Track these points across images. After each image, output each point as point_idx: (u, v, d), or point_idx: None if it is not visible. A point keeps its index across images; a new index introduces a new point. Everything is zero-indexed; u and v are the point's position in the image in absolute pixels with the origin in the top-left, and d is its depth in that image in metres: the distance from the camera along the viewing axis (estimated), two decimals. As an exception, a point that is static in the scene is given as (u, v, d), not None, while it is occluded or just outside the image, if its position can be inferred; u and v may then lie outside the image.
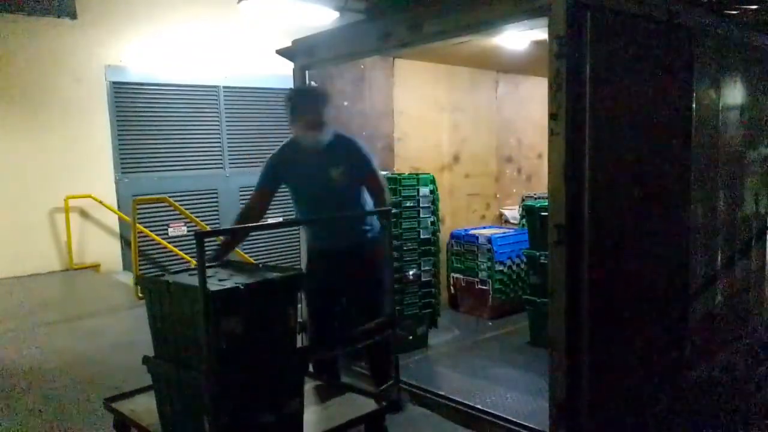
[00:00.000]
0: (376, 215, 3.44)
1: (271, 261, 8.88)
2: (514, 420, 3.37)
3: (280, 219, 9.58)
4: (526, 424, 3.30)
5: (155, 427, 2.94)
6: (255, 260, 8.33)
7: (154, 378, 2.95)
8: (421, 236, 4.58)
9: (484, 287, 5.45)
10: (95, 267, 8.34)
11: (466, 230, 5.71)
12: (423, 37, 3.53)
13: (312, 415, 2.98)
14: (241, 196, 9.47)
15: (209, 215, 9.03)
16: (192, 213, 8.13)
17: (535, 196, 6.03)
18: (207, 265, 2.70)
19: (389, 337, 3.35)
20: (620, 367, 3.17)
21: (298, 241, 4.64)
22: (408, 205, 4.51)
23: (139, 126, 8.57)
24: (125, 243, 8.41)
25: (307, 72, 4.42)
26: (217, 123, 9.23)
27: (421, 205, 4.57)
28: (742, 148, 4.16)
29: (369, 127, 5.22)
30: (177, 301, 2.70)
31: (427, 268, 4.62)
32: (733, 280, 4.13)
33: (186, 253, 8.24)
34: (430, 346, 4.75)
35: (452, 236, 5.70)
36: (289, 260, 8.89)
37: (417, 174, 4.66)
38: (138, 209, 7.07)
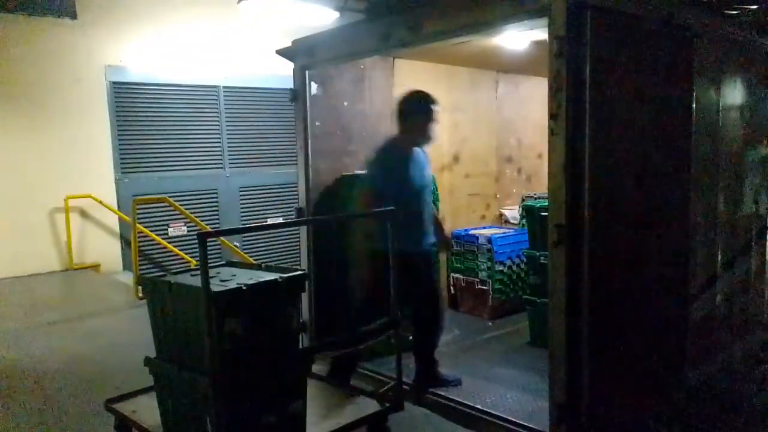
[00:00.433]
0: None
1: (271, 261, 8.88)
2: (514, 420, 3.38)
3: (280, 219, 9.61)
4: (526, 424, 3.31)
5: (157, 428, 2.94)
6: (255, 260, 8.34)
7: (155, 379, 2.95)
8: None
9: (484, 287, 5.45)
10: (95, 267, 8.35)
11: (466, 230, 5.71)
12: (423, 37, 3.53)
13: (314, 416, 2.98)
14: (241, 196, 9.48)
15: (209, 215, 9.03)
16: (192, 213, 8.13)
17: (535, 196, 6.03)
18: (211, 265, 2.70)
19: (431, 319, 3.71)
20: (620, 367, 3.18)
21: (298, 241, 4.64)
22: (408, 205, 4.51)
23: (139, 126, 8.58)
24: (125, 243, 8.42)
25: (307, 72, 4.42)
26: (217, 123, 9.23)
27: (421, 205, 4.56)
28: (742, 148, 4.16)
29: (369, 127, 5.21)
30: (179, 301, 2.70)
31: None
32: (733, 280, 4.13)
33: (186, 253, 8.25)
34: (431, 346, 4.74)
35: (452, 236, 5.70)
36: (289, 260, 8.90)
37: (417, 174, 4.65)
38: (138, 209, 7.07)
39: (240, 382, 2.62)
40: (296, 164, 4.58)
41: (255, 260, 8.34)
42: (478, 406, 3.61)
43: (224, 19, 8.97)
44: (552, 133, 2.83)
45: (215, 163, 9.28)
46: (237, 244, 8.91)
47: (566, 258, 2.82)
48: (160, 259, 8.69)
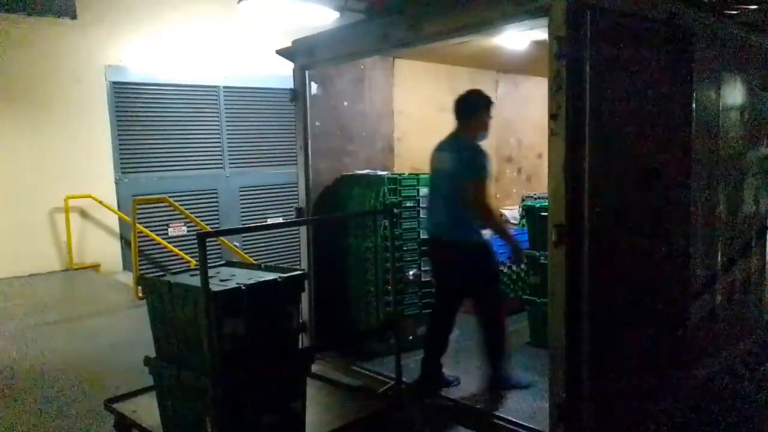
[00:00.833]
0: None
1: (271, 261, 8.88)
2: (514, 420, 3.37)
3: (280, 219, 9.61)
4: (526, 424, 3.30)
5: (157, 428, 2.94)
6: (255, 260, 8.34)
7: (155, 379, 2.96)
8: (421, 236, 4.58)
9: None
10: (95, 267, 8.35)
11: (466, 230, 5.70)
12: (423, 37, 3.53)
13: (314, 416, 2.98)
14: (241, 196, 9.48)
15: (209, 215, 9.03)
16: (192, 213, 8.13)
17: (535, 196, 6.03)
18: (210, 265, 2.70)
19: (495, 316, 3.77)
20: (620, 367, 3.17)
21: (298, 241, 4.64)
22: (408, 205, 4.51)
23: (139, 126, 8.58)
24: (125, 243, 8.42)
25: (307, 72, 4.42)
26: (217, 123, 9.23)
27: (421, 205, 4.56)
28: (742, 148, 4.16)
29: (369, 127, 5.22)
30: (179, 301, 2.70)
31: (427, 268, 4.61)
32: (733, 280, 4.13)
33: (186, 253, 8.25)
34: (431, 346, 4.74)
35: (452, 236, 5.69)
36: (289, 260, 8.90)
37: (417, 174, 4.65)
38: (138, 209, 7.07)
39: (240, 382, 2.63)
40: (296, 164, 4.58)
41: (255, 260, 8.34)
42: (479, 406, 3.61)
43: (224, 19, 8.97)
44: (552, 133, 2.83)
45: (215, 163, 9.28)
46: (237, 244, 8.91)
47: (566, 258, 2.82)
48: (160, 259, 8.69)
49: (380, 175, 4.60)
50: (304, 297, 4.29)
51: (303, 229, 4.56)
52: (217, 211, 9.23)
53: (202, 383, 2.59)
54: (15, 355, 4.97)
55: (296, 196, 4.66)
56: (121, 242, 8.57)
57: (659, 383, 3.46)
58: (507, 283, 5.49)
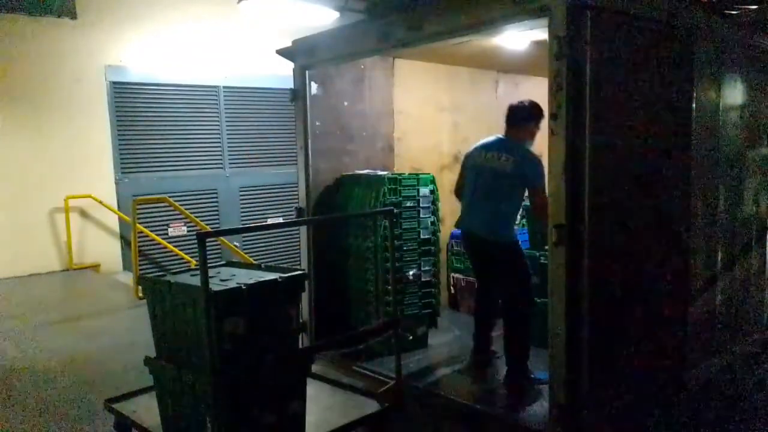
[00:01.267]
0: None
1: (271, 261, 8.88)
2: (515, 420, 3.38)
3: (280, 219, 9.61)
4: (526, 424, 3.30)
5: (157, 428, 2.94)
6: (255, 260, 8.34)
7: (155, 378, 2.96)
8: (421, 236, 4.58)
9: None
10: (95, 267, 8.35)
11: (466, 230, 5.70)
12: (423, 37, 3.53)
13: (314, 416, 2.98)
14: (241, 196, 9.48)
15: (209, 215, 9.03)
16: (192, 213, 8.13)
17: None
18: (210, 265, 2.70)
19: (519, 312, 3.92)
20: (620, 367, 3.18)
21: (298, 241, 4.64)
22: (408, 205, 4.51)
23: (139, 126, 8.58)
24: (125, 243, 8.42)
25: (307, 72, 4.42)
26: (217, 123, 9.23)
27: (421, 205, 4.56)
28: (742, 148, 4.16)
29: (369, 127, 5.22)
30: (179, 301, 2.70)
31: (427, 268, 4.61)
32: (733, 280, 4.13)
33: (186, 253, 8.25)
34: (430, 346, 4.75)
35: (452, 236, 5.69)
36: (289, 260, 8.90)
37: (417, 174, 4.65)
38: (138, 209, 7.07)
39: (240, 382, 2.63)
40: (296, 164, 4.58)
41: (255, 260, 8.34)
42: (478, 406, 3.61)
43: (224, 19, 8.97)
44: (552, 133, 2.83)
45: (215, 163, 9.28)
46: (237, 244, 8.91)
47: (566, 258, 2.82)
48: (160, 259, 8.69)
49: (380, 175, 4.60)
50: (304, 297, 4.30)
51: (303, 229, 4.56)
52: (217, 211, 9.23)
53: (202, 383, 2.59)
54: (15, 355, 4.97)
55: (296, 196, 4.66)
56: (121, 242, 8.57)
57: (659, 383, 3.46)
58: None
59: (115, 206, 8.41)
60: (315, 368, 3.65)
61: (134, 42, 8.54)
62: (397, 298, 4.25)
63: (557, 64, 2.77)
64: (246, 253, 8.99)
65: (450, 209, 5.89)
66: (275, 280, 2.77)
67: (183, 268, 3.37)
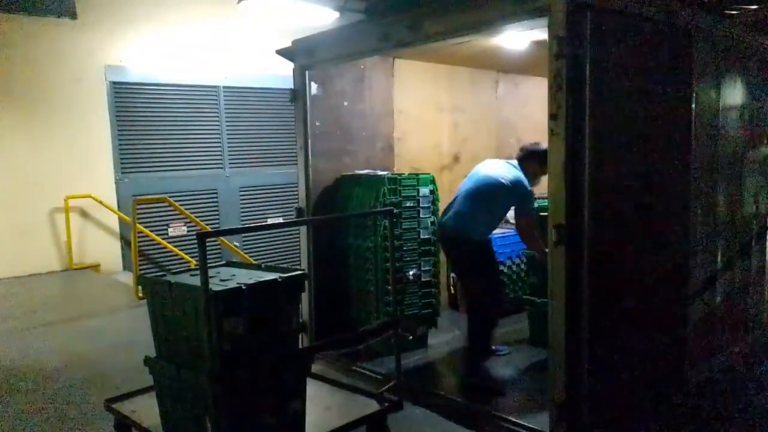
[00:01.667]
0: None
1: (271, 261, 8.88)
2: (514, 420, 3.38)
3: (280, 219, 9.61)
4: (526, 424, 3.30)
5: (156, 428, 2.94)
6: (255, 260, 8.34)
7: (155, 378, 2.95)
8: (421, 236, 4.58)
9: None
10: (95, 267, 8.35)
11: (466, 230, 5.69)
12: (423, 37, 3.54)
13: (314, 416, 2.98)
14: (241, 196, 9.47)
15: (209, 215, 9.03)
16: (192, 213, 8.13)
17: (535, 197, 6.02)
18: (210, 265, 2.70)
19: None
20: (620, 367, 3.18)
21: (298, 241, 4.64)
22: (408, 205, 4.51)
23: (139, 126, 8.57)
24: (125, 243, 8.42)
25: (307, 72, 4.42)
26: (217, 123, 9.23)
27: (421, 205, 4.57)
28: (742, 148, 4.16)
29: (369, 127, 5.22)
30: (179, 301, 2.70)
31: (427, 268, 4.62)
32: (733, 280, 4.13)
33: (186, 253, 8.24)
34: (430, 346, 4.75)
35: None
36: (289, 260, 8.90)
37: (417, 174, 4.66)
38: (138, 209, 7.07)
39: (240, 382, 2.62)
40: (296, 164, 4.58)
41: (255, 260, 8.34)
42: (478, 406, 3.61)
43: (224, 19, 8.96)
44: (552, 133, 2.83)
45: (215, 163, 9.27)
46: (237, 244, 8.91)
47: (566, 258, 2.82)
48: (160, 259, 8.68)
49: (380, 175, 4.60)
50: (304, 297, 4.30)
51: (303, 229, 4.57)
52: (217, 211, 9.23)
53: (202, 383, 2.59)
54: (15, 355, 4.97)
55: (296, 196, 4.67)
56: (121, 242, 8.57)
57: (659, 383, 3.46)
58: (507, 283, 5.49)
59: (115, 206, 8.40)
60: (315, 368, 3.65)
61: (134, 42, 8.54)
62: (397, 298, 4.25)
63: (557, 64, 2.77)
64: (246, 253, 8.99)
65: (450, 209, 5.89)
66: (275, 280, 2.77)
67: (183, 268, 3.37)
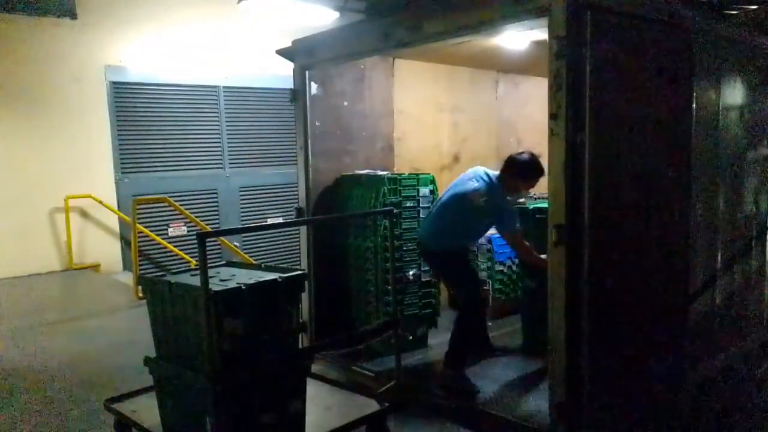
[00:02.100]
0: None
1: (271, 261, 8.88)
2: (514, 420, 3.38)
3: (280, 219, 9.61)
4: (526, 424, 3.30)
5: (157, 428, 2.94)
6: (255, 260, 8.34)
7: (155, 378, 2.96)
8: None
9: (483, 287, 5.43)
10: (95, 267, 8.35)
11: (466, 230, 5.69)
12: (423, 37, 3.53)
13: (314, 416, 2.98)
14: (241, 196, 9.48)
15: (209, 215, 9.03)
16: (192, 213, 8.13)
17: (535, 196, 6.02)
18: (210, 265, 2.70)
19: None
20: (620, 367, 3.17)
21: (298, 241, 4.64)
22: (408, 205, 4.51)
23: (139, 126, 8.58)
24: (125, 243, 8.42)
25: (307, 72, 4.42)
26: (217, 123, 9.23)
27: (421, 205, 4.56)
28: (742, 148, 4.16)
29: (369, 127, 5.22)
30: (179, 301, 2.70)
31: (427, 268, 4.61)
32: (733, 280, 4.13)
33: (186, 253, 8.25)
34: (430, 346, 4.75)
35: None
36: (289, 260, 8.90)
37: (417, 174, 4.65)
38: (138, 209, 7.07)
39: (240, 382, 2.63)
40: (296, 164, 4.58)
41: (255, 260, 8.34)
42: (479, 406, 3.61)
43: (224, 19, 8.97)
44: (552, 133, 2.83)
45: (215, 163, 9.28)
46: (237, 244, 8.91)
47: (566, 258, 2.82)
48: (160, 259, 8.68)
49: (380, 175, 4.60)
50: (304, 297, 4.30)
51: (303, 229, 4.56)
52: (217, 211, 9.23)
53: (202, 383, 2.59)
54: (15, 355, 4.97)
55: (296, 196, 4.67)
56: (121, 242, 8.57)
57: (659, 383, 3.46)
58: (507, 283, 5.49)
59: (115, 206, 8.41)
60: (315, 368, 3.64)
61: (134, 42, 8.54)
62: (397, 298, 4.25)
63: (557, 64, 2.77)
64: (246, 253, 8.99)
65: (450, 209, 5.89)
66: (275, 280, 2.77)
67: (183, 268, 3.37)
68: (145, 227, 8.12)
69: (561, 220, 2.82)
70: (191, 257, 8.10)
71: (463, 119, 6.04)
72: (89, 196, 8.17)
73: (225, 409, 2.56)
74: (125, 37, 8.47)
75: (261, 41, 8.83)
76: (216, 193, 9.26)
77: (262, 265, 3.22)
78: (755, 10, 4.03)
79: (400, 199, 4.47)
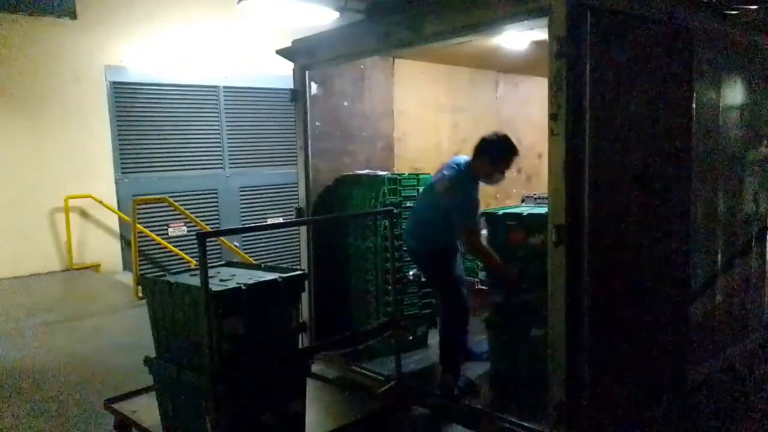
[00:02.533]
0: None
1: (271, 261, 8.88)
2: (514, 420, 3.37)
3: (280, 219, 9.61)
4: (526, 424, 3.30)
5: (156, 428, 2.94)
6: (255, 260, 8.34)
7: (155, 378, 2.96)
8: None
9: (483, 287, 5.43)
10: (95, 267, 8.35)
11: (466, 230, 5.68)
12: (423, 37, 3.53)
13: (314, 416, 2.98)
14: (241, 196, 9.48)
15: (209, 215, 9.03)
16: (192, 213, 8.13)
17: (535, 197, 6.02)
18: (210, 265, 2.70)
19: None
20: (620, 367, 3.17)
21: (298, 241, 4.64)
22: (408, 205, 4.51)
23: (139, 126, 8.58)
24: (125, 243, 8.42)
25: (307, 72, 4.42)
26: (217, 123, 9.23)
27: (421, 205, 4.56)
28: (742, 148, 4.16)
29: (369, 127, 5.22)
30: (179, 301, 2.70)
31: (427, 268, 4.61)
32: (733, 280, 4.13)
33: (186, 253, 8.25)
34: (430, 346, 4.74)
35: (452, 236, 5.68)
36: (289, 260, 8.90)
37: (417, 174, 4.65)
38: (138, 209, 7.08)
39: (240, 382, 2.63)
40: (296, 164, 4.58)
41: (255, 260, 8.34)
42: (478, 406, 3.61)
43: (224, 19, 8.97)
44: (552, 133, 2.83)
45: (215, 163, 9.28)
46: (237, 244, 8.91)
47: (566, 258, 2.82)
48: (160, 259, 8.69)
49: (380, 175, 4.60)
50: (304, 297, 4.29)
51: (303, 229, 4.56)
52: (217, 211, 9.23)
53: (202, 383, 2.59)
54: (15, 355, 4.97)
55: (296, 196, 4.66)
56: (121, 242, 8.57)
57: (659, 383, 3.46)
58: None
59: (115, 206, 8.41)
60: (315, 368, 3.65)
61: (134, 42, 8.54)
62: (397, 298, 4.25)
63: (557, 64, 2.77)
64: (246, 253, 8.99)
65: (450, 209, 5.89)
66: (275, 280, 2.78)
67: (183, 268, 3.37)
68: (145, 227, 8.12)
69: (561, 220, 2.82)
70: (191, 257, 8.11)
71: (463, 119, 6.04)
72: (89, 196, 8.17)
73: (225, 409, 2.56)
74: (125, 37, 8.47)
75: (261, 41, 8.84)
76: (216, 193, 9.26)
77: (262, 265, 3.22)
78: (755, 10, 4.03)
79: (400, 199, 4.47)
